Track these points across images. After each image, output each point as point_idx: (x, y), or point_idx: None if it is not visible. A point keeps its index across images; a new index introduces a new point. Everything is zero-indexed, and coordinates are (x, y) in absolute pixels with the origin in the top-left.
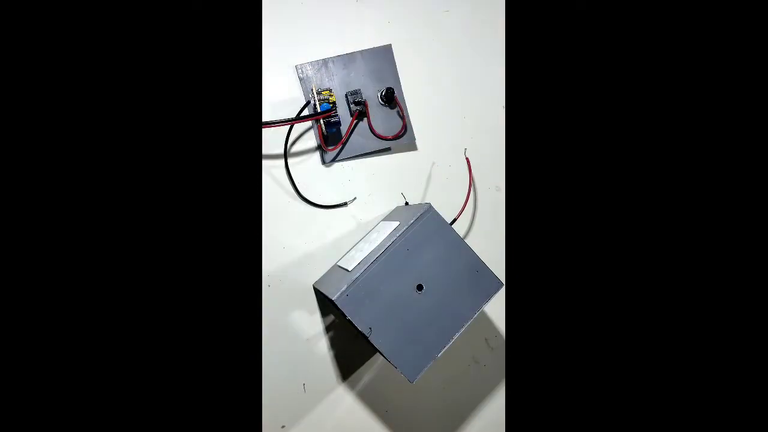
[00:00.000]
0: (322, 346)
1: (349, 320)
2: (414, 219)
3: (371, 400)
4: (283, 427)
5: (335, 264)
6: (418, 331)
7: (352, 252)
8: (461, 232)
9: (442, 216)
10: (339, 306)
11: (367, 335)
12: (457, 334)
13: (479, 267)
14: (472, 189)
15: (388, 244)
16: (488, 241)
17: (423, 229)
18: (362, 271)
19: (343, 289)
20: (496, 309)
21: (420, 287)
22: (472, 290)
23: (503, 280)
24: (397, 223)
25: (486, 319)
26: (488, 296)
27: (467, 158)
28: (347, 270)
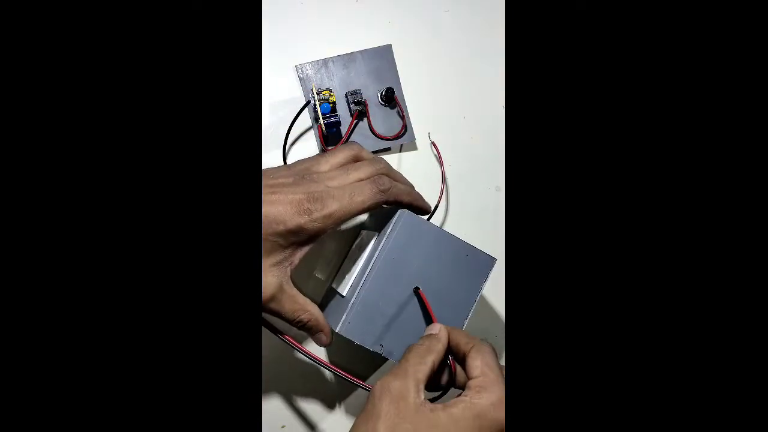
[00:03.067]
0: None
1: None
2: (390, 228)
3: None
4: (283, 426)
5: (329, 286)
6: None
7: (344, 270)
8: (461, 233)
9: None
10: (344, 335)
11: (380, 352)
12: (466, 321)
13: (468, 251)
14: (445, 179)
15: (372, 261)
16: (488, 241)
17: (401, 234)
18: (356, 294)
19: (343, 318)
20: (496, 308)
21: (417, 289)
22: (468, 275)
23: (503, 280)
24: (377, 234)
25: (486, 319)
26: (485, 275)
27: (433, 142)
28: (342, 295)
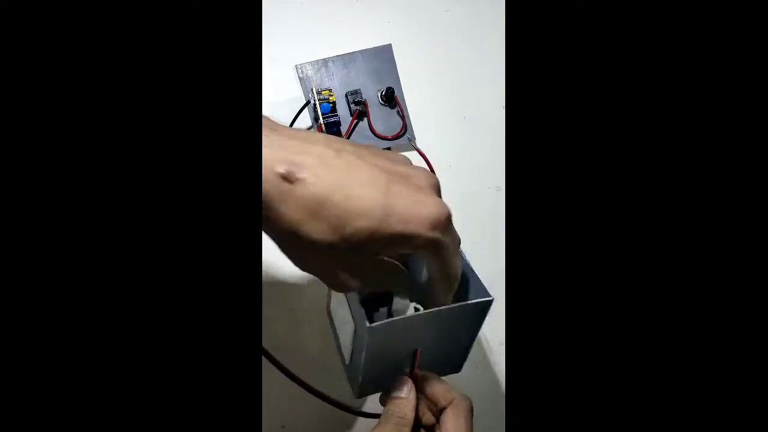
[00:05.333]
0: (322, 340)
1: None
2: (364, 340)
3: (374, 398)
4: (283, 426)
5: (334, 323)
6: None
7: (342, 328)
8: (461, 234)
9: None
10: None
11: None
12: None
13: (461, 311)
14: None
15: (361, 349)
16: (488, 241)
17: (379, 339)
18: (359, 369)
19: (358, 389)
20: (496, 311)
21: (415, 351)
22: (466, 324)
23: (503, 280)
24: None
25: (486, 322)
26: (483, 318)
27: (418, 149)
28: (345, 361)
